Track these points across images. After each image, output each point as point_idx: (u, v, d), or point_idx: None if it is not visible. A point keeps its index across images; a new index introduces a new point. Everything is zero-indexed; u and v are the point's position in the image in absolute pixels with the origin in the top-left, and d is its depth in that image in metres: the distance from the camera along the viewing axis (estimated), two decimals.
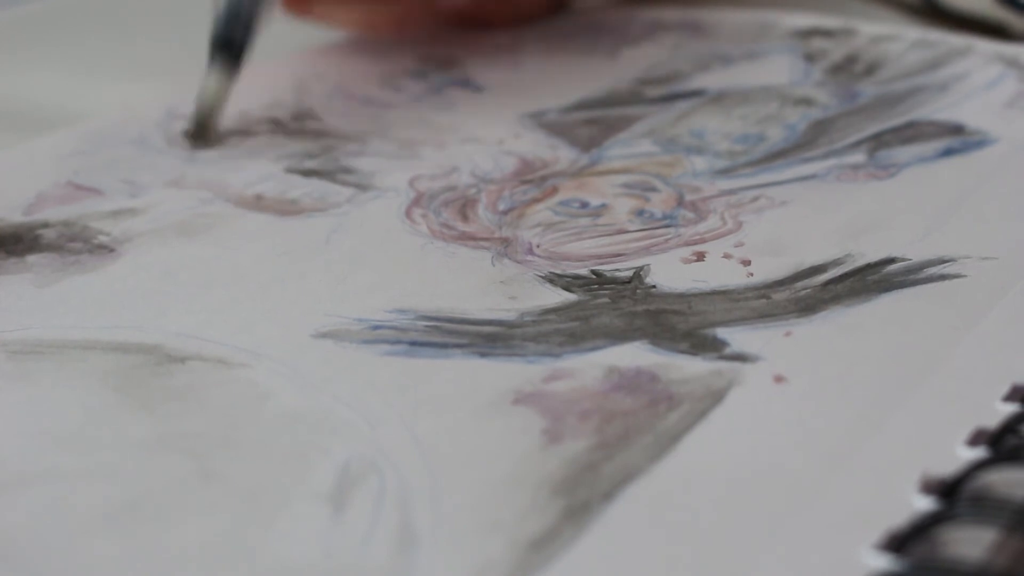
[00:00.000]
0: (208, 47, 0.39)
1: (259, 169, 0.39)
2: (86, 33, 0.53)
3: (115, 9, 0.56)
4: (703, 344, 0.30)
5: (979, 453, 0.25)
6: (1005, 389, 0.27)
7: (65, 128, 0.42)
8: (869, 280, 0.32)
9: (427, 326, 0.30)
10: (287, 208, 0.37)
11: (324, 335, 0.30)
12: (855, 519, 0.24)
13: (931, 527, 0.24)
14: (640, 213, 0.36)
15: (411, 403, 0.28)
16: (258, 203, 0.37)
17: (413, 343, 0.30)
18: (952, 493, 0.24)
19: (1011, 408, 0.27)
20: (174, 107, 0.43)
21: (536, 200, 0.37)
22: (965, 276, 0.32)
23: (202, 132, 0.40)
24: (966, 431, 0.26)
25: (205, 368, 0.29)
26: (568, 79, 0.46)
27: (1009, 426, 0.26)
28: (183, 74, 0.46)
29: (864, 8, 0.53)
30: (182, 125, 0.42)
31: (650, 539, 0.24)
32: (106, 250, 0.35)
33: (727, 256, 0.33)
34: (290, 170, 0.39)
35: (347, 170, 0.39)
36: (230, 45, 0.39)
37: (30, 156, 0.40)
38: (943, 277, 0.32)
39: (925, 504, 0.24)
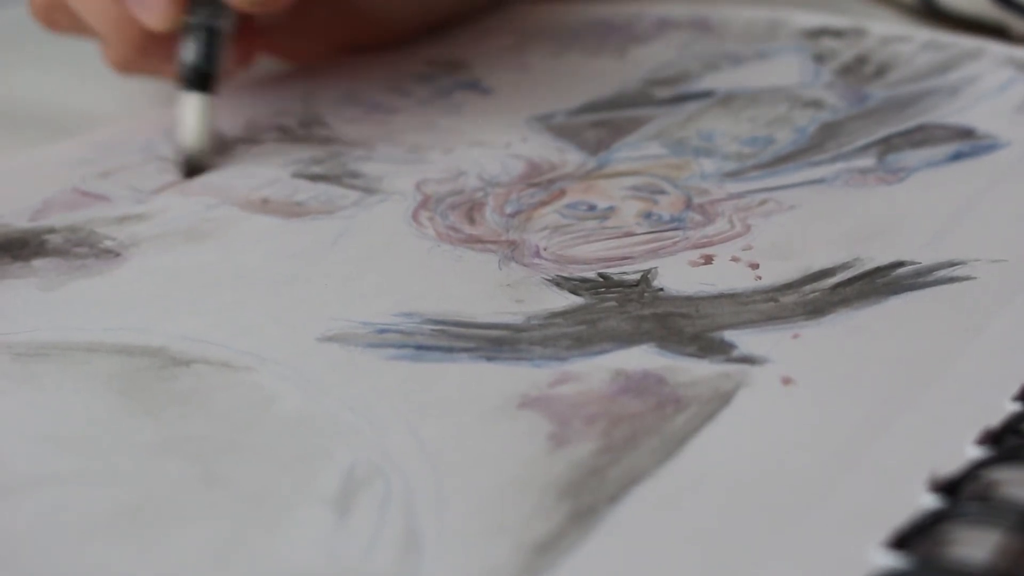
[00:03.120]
0: (188, 83, 0.40)
1: (265, 174, 0.39)
2: None
3: None
4: (711, 347, 0.29)
5: (985, 452, 0.25)
6: (1014, 390, 0.27)
7: (71, 128, 0.42)
8: (878, 283, 0.32)
9: (433, 330, 0.30)
10: (293, 211, 0.37)
11: (330, 339, 0.30)
12: (863, 519, 0.24)
13: (936, 525, 0.24)
14: (648, 216, 0.36)
15: (417, 407, 0.28)
16: (264, 206, 0.37)
17: (419, 347, 0.30)
18: (955, 490, 0.24)
19: (1019, 407, 0.27)
20: None
21: (543, 203, 0.37)
22: (975, 278, 0.32)
23: (201, 168, 0.40)
24: (975, 431, 0.26)
25: (210, 371, 0.29)
26: (576, 80, 0.46)
27: (1011, 425, 0.26)
28: None
29: (863, 8, 0.53)
30: None
31: (657, 541, 0.24)
32: (112, 254, 0.35)
33: (735, 259, 0.33)
34: (297, 175, 0.39)
35: (354, 174, 0.39)
36: (209, 79, 0.40)
37: (37, 164, 0.40)
38: (952, 280, 0.32)
39: (930, 501, 0.24)
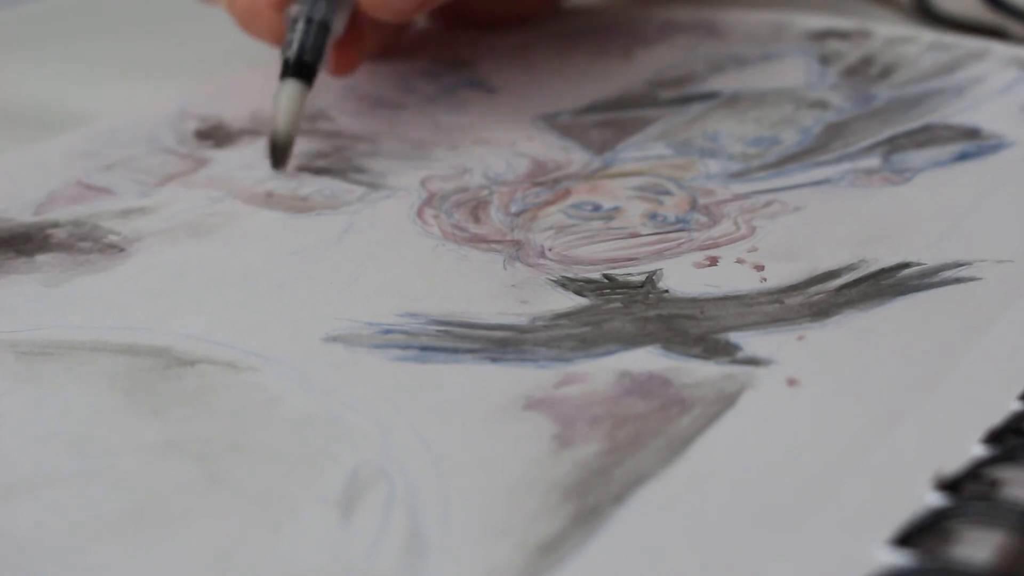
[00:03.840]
0: (285, 70, 0.39)
1: (270, 167, 0.39)
2: (86, 33, 0.53)
3: (115, 9, 0.55)
4: (715, 348, 0.29)
5: (989, 450, 0.25)
6: (1020, 390, 0.27)
7: (72, 128, 0.42)
8: (883, 284, 0.32)
9: (438, 331, 0.30)
10: (298, 205, 0.37)
11: (334, 339, 0.30)
12: (867, 519, 0.24)
13: (939, 523, 0.24)
14: (653, 216, 0.36)
15: (421, 408, 0.28)
16: (268, 200, 0.37)
17: (424, 348, 0.30)
18: (957, 487, 0.24)
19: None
20: (186, 106, 0.43)
21: (548, 203, 0.37)
22: (980, 279, 0.32)
23: (284, 153, 0.39)
24: (980, 432, 0.26)
25: (214, 372, 0.29)
26: (581, 80, 0.46)
27: (1012, 424, 0.26)
28: (186, 74, 0.46)
29: (867, 9, 0.52)
30: (194, 124, 0.42)
31: (661, 542, 0.24)
32: (116, 250, 0.34)
33: (740, 261, 0.33)
34: (301, 168, 0.39)
35: (359, 169, 0.39)
36: (309, 70, 0.39)
37: (41, 156, 0.40)
38: (958, 280, 0.32)
39: (934, 499, 0.24)
